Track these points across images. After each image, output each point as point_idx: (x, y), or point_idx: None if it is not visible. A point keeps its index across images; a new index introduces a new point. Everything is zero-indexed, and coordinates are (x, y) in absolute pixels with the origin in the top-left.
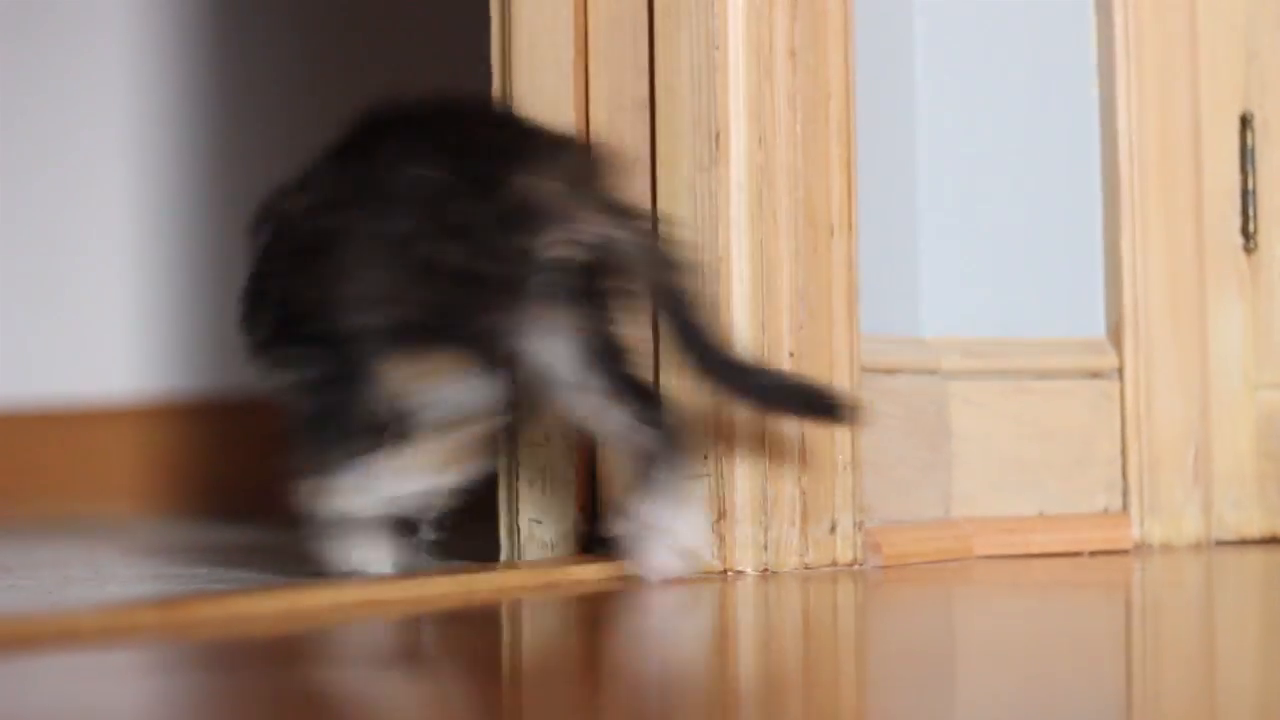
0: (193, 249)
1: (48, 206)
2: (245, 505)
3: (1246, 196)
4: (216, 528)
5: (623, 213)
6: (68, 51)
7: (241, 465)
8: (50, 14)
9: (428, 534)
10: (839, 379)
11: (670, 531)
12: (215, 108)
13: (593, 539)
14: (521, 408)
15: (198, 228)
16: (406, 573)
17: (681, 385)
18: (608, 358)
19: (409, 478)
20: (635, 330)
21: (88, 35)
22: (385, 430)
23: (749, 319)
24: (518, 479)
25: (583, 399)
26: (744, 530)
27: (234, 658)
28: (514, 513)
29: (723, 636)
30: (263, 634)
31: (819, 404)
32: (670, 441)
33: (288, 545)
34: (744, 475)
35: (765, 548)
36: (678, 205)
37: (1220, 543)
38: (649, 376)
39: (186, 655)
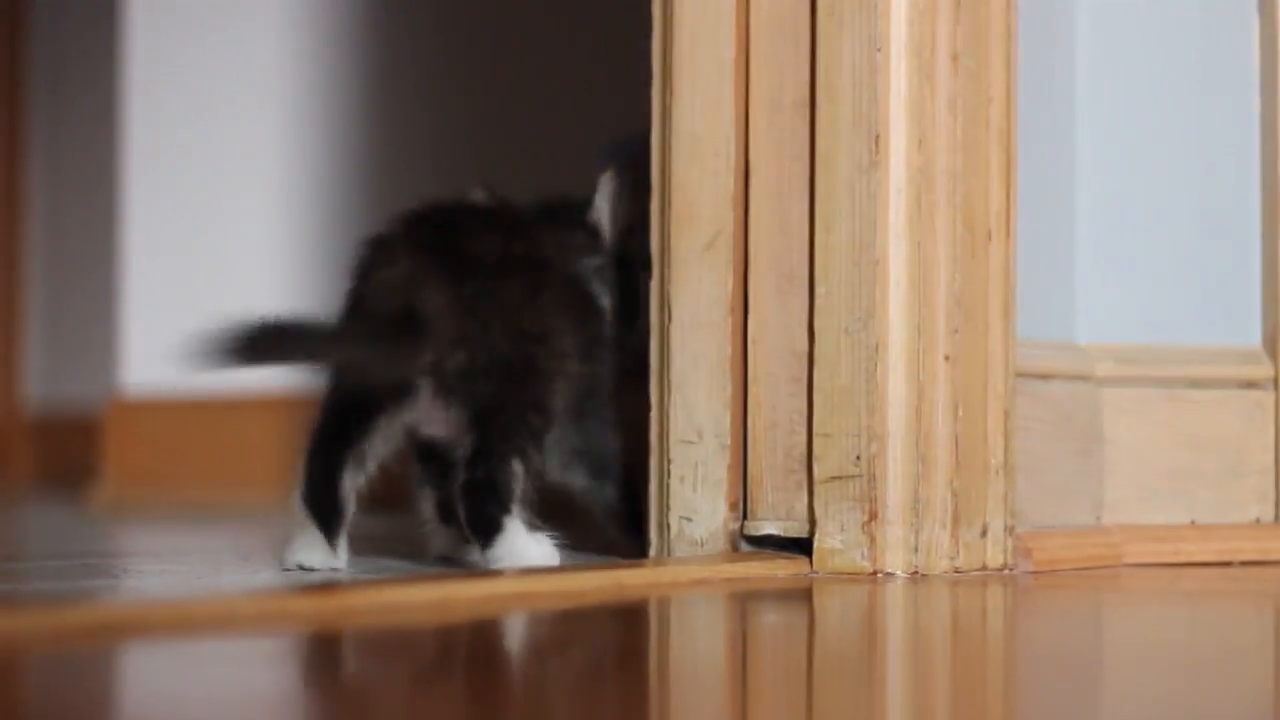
0: (340, 242)
1: (198, 201)
2: (387, 495)
3: None
4: (355, 517)
5: None
6: (221, 48)
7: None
8: (205, 11)
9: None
10: (993, 383)
11: None
12: (365, 104)
13: (743, 537)
14: None
15: (345, 222)
16: (556, 567)
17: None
18: None
19: None
20: None
21: (241, 32)
22: None
23: (904, 322)
24: (669, 476)
25: None
26: (894, 532)
27: (387, 647)
28: (664, 509)
29: (871, 638)
30: (415, 624)
31: None
32: None
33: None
34: (895, 476)
35: (915, 550)
36: (835, 206)
37: None
38: None
39: (340, 644)
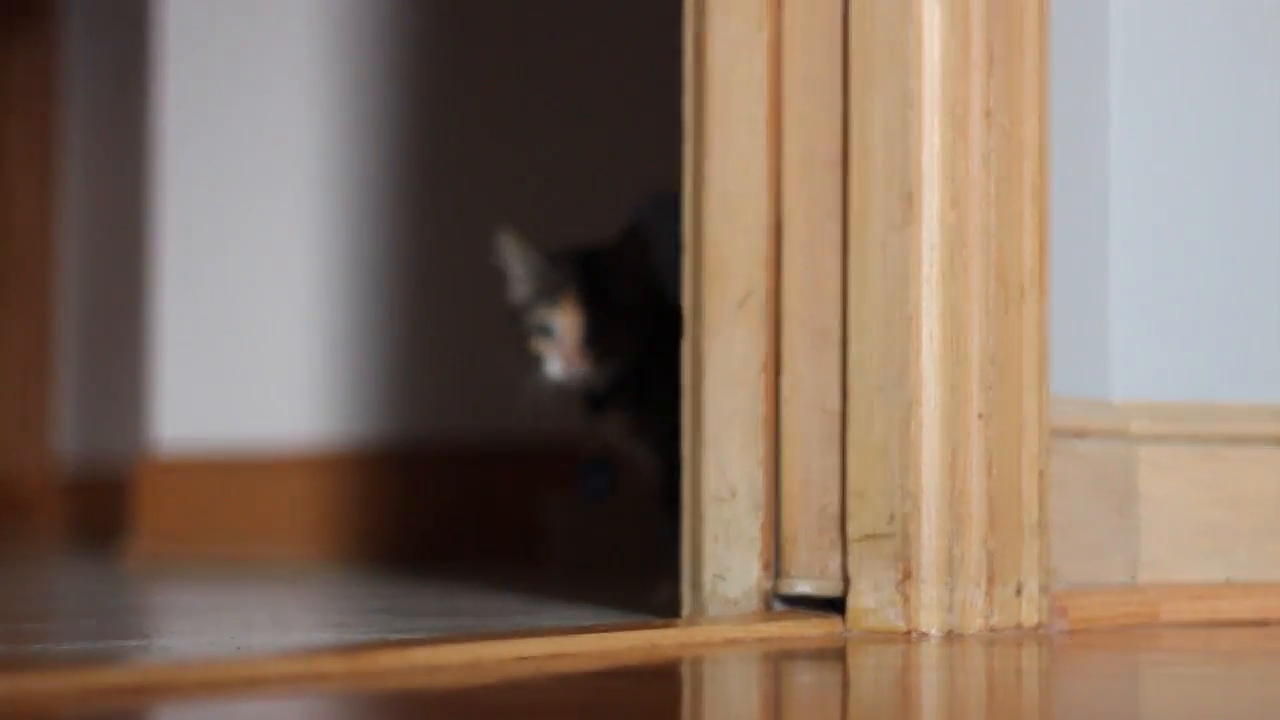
0: (368, 297)
1: (227, 253)
2: (415, 554)
3: None
4: (389, 575)
5: None
6: (250, 92)
7: (411, 514)
8: (232, 53)
9: None
10: (1028, 441)
11: None
12: (397, 147)
13: (776, 595)
14: None
15: (374, 277)
16: (590, 626)
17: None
18: None
19: None
20: None
21: (269, 75)
22: None
23: (938, 379)
24: (702, 534)
25: None
26: (929, 591)
27: (419, 710)
28: (698, 567)
29: (906, 699)
30: (448, 685)
31: None
32: None
33: (459, 593)
34: (930, 535)
35: (950, 609)
36: (868, 263)
37: None
38: None
39: (372, 706)
